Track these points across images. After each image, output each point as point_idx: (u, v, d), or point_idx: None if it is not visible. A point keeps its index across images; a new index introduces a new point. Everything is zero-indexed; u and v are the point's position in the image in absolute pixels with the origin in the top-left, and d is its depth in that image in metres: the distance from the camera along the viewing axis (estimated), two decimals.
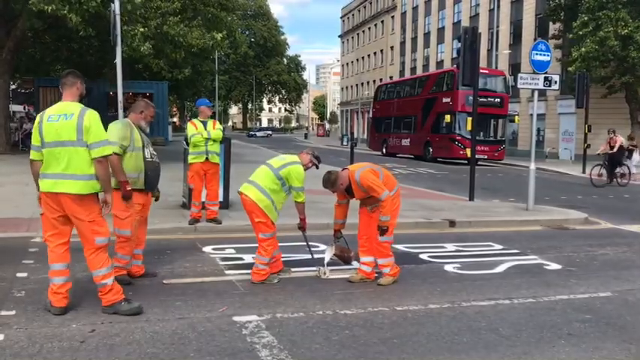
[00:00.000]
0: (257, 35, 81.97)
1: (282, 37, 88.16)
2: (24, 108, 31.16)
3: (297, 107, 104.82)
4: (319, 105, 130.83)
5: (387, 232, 5.65)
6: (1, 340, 3.97)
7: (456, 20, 48.28)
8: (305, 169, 5.79)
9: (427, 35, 53.84)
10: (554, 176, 22.07)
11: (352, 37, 75.57)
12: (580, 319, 4.87)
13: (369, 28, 69.02)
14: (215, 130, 8.37)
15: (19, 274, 5.68)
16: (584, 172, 23.01)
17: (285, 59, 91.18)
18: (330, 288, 5.56)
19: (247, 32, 79.83)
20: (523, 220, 10.29)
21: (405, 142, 32.83)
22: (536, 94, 11.95)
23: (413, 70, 55.37)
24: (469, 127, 13.39)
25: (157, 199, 5.94)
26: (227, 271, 6.07)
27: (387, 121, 35.66)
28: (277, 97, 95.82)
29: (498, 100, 28.31)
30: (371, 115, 42.52)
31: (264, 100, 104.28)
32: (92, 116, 4.42)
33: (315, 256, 6.22)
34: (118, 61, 12.04)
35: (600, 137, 30.07)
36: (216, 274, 6.00)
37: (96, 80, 28.05)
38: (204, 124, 8.38)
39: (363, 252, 5.86)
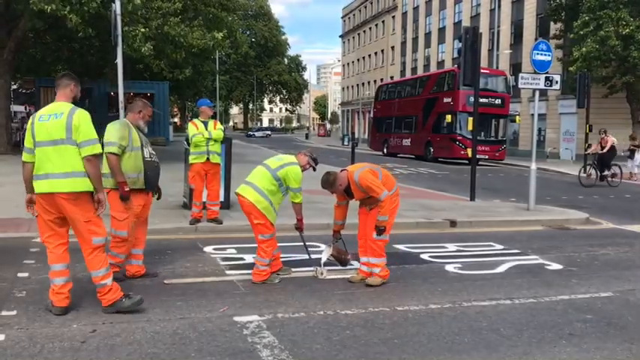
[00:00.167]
0: (258, 35, 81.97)
1: (283, 37, 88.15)
2: (25, 108, 31.17)
3: (298, 107, 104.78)
4: (320, 105, 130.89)
5: (385, 231, 5.63)
6: (2, 340, 3.97)
7: (456, 20, 48.28)
8: (302, 170, 5.78)
9: (428, 35, 53.84)
10: (555, 176, 22.04)
11: (353, 37, 75.58)
12: (581, 319, 4.87)
13: (370, 28, 69.03)
14: (216, 130, 8.37)
15: (20, 274, 5.68)
16: (585, 172, 23.00)
17: (286, 59, 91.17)
18: (331, 288, 5.56)
19: (248, 32, 79.82)
20: (524, 220, 10.28)
21: (406, 142, 32.82)
22: (537, 94, 11.94)
23: (414, 70, 55.37)
24: (470, 127, 13.40)
25: (158, 198, 5.94)
26: (228, 271, 6.07)
27: (387, 121, 35.66)
28: (278, 97, 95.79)
29: (499, 100, 28.29)
30: (372, 115, 42.52)
31: (265, 100, 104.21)
32: (81, 115, 4.42)
33: (313, 256, 6.20)
34: (119, 61, 12.06)
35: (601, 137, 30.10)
36: (217, 274, 6.00)
37: (97, 80, 28.10)
38: (205, 124, 8.38)
39: (362, 252, 5.85)
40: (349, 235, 6.33)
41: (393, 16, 62.21)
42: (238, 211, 8.65)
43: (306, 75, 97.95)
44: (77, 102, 4.72)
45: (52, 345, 3.92)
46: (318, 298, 5.23)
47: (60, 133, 4.36)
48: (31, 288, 5.20)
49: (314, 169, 6.00)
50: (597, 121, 27.86)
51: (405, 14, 59.54)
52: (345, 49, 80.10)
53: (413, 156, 31.70)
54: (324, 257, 6.02)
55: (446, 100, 28.78)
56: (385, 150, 35.42)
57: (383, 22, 64.97)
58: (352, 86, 75.04)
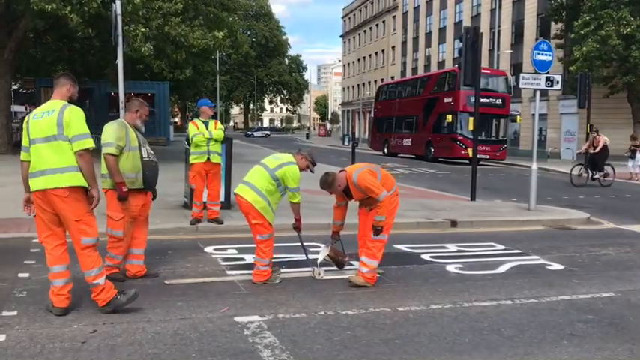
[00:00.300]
0: (258, 35, 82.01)
1: (284, 38, 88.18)
2: (26, 108, 31.21)
3: (298, 107, 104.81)
4: (320, 105, 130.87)
5: (382, 232, 5.61)
6: (2, 341, 3.97)
7: (457, 20, 48.28)
8: (300, 171, 5.76)
9: (429, 35, 53.84)
10: (556, 176, 22.02)
11: (353, 37, 75.59)
12: (582, 319, 4.86)
13: (371, 28, 69.04)
14: (216, 130, 8.37)
15: (20, 275, 5.68)
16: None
17: (286, 59, 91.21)
18: (332, 288, 5.55)
19: (249, 32, 79.80)
20: (525, 220, 10.28)
21: (407, 142, 32.82)
22: (537, 93, 11.93)
23: (414, 70, 55.38)
24: (471, 127, 13.42)
25: (153, 198, 5.93)
26: (228, 272, 6.07)
27: (388, 121, 35.66)
28: (279, 98, 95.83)
29: (500, 100, 28.28)
30: (372, 115, 42.52)
31: (266, 101, 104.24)
32: (72, 111, 4.42)
33: (310, 256, 6.17)
34: (120, 61, 12.05)
35: None
36: (217, 274, 6.00)
37: (97, 81, 28.12)
38: (206, 124, 8.37)
39: (362, 252, 5.84)
40: (349, 236, 6.33)
41: (394, 16, 62.22)
42: (239, 212, 8.62)
43: (306, 75, 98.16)
44: (77, 102, 4.73)
45: (52, 345, 3.92)
46: (319, 298, 5.23)
47: (52, 129, 4.37)
48: (31, 288, 5.20)
49: (312, 172, 5.95)
50: (598, 121, 27.85)
51: (405, 14, 59.54)
52: (345, 49, 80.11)
53: (413, 156, 31.70)
54: (320, 257, 5.99)
55: (446, 100, 28.77)
56: (386, 150, 35.41)
57: (383, 22, 64.98)
58: (353, 86, 75.04)
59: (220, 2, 22.53)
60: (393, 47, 62.01)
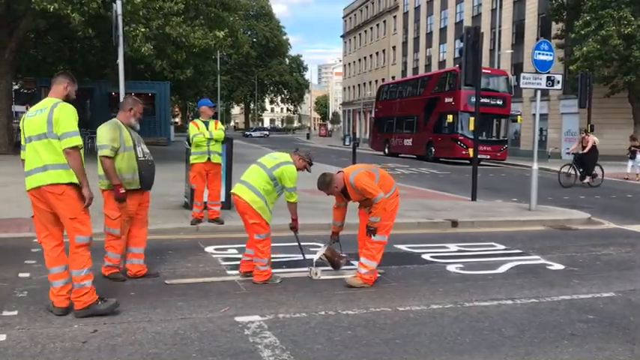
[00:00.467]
0: (259, 35, 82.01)
1: (285, 38, 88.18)
2: (26, 108, 31.13)
3: (299, 107, 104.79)
4: (321, 105, 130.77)
5: (376, 232, 5.60)
6: (3, 341, 3.97)
7: (458, 20, 48.26)
8: (297, 171, 5.74)
9: (429, 35, 53.82)
10: (557, 176, 22.00)
11: (354, 37, 75.58)
12: (583, 319, 4.86)
13: (371, 28, 69.02)
14: (217, 130, 8.38)
15: (21, 275, 5.68)
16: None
17: (287, 59, 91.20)
18: (332, 288, 5.55)
19: (249, 32, 79.79)
20: (526, 220, 10.27)
21: (408, 142, 32.82)
22: (538, 93, 11.93)
23: (415, 70, 55.37)
24: (471, 127, 13.40)
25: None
26: (229, 272, 6.07)
27: (389, 121, 35.66)
28: (279, 98, 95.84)
29: (501, 100, 28.27)
30: (373, 115, 42.52)
31: (267, 101, 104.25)
32: (62, 108, 4.39)
33: (307, 256, 6.15)
34: (120, 61, 12.04)
35: (603, 137, 30.00)
36: (218, 274, 6.00)
37: (98, 81, 28.12)
38: (207, 124, 8.38)
39: (362, 253, 5.83)
40: (350, 236, 6.33)
41: (395, 16, 62.20)
42: None
43: (307, 75, 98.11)
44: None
45: (53, 345, 3.92)
46: (320, 298, 5.22)
47: (42, 127, 4.36)
48: (32, 288, 5.20)
49: (309, 171, 5.94)
50: (599, 121, 27.87)
51: (406, 14, 59.53)
52: (346, 49, 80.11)
53: (414, 156, 31.70)
54: (316, 256, 5.99)
55: (447, 100, 28.77)
56: (386, 150, 35.42)
57: (384, 22, 64.97)
58: (353, 86, 75.03)
59: (221, 2, 22.51)
60: (394, 47, 62.00)
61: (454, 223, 9.57)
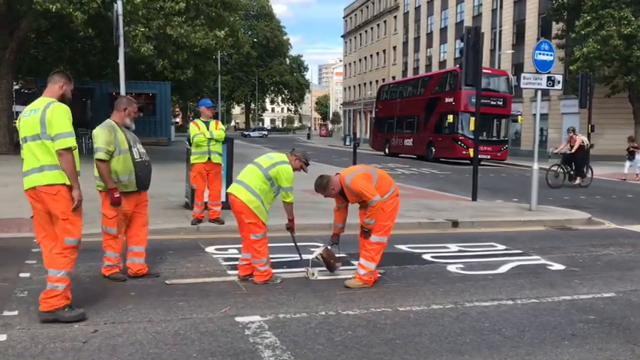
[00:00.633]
0: (260, 35, 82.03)
1: (285, 38, 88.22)
2: None
3: (299, 107, 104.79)
4: (322, 105, 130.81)
5: (370, 234, 5.60)
6: (3, 341, 3.97)
7: (458, 20, 48.26)
8: (294, 171, 5.74)
9: (430, 35, 53.82)
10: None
11: (355, 37, 75.58)
12: (583, 319, 4.86)
13: (372, 28, 69.03)
14: (217, 130, 8.38)
15: (22, 275, 5.69)
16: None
17: (287, 59, 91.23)
18: (333, 288, 5.55)
19: (250, 32, 79.83)
20: (526, 220, 10.27)
21: (408, 142, 32.82)
22: (539, 93, 11.92)
23: (415, 70, 55.37)
24: (472, 127, 13.40)
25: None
26: (230, 272, 6.07)
27: (389, 121, 35.67)
28: (280, 98, 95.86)
29: (501, 100, 28.27)
30: (373, 115, 42.53)
31: (267, 101, 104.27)
32: (55, 109, 4.33)
33: (304, 257, 6.14)
34: (121, 61, 12.07)
35: (604, 137, 30.15)
36: (218, 274, 6.00)
37: (99, 81, 28.13)
38: (207, 124, 8.38)
39: (361, 254, 5.82)
40: (350, 236, 6.33)
41: (395, 16, 62.20)
42: None
43: (307, 75, 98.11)
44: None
45: (53, 345, 3.92)
46: (320, 298, 5.22)
47: (36, 128, 4.33)
48: (32, 288, 5.19)
49: (305, 172, 5.92)
50: (599, 121, 27.85)
51: (406, 14, 59.52)
52: (346, 49, 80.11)
53: (415, 156, 31.70)
54: (313, 255, 5.98)
55: (448, 100, 28.77)
56: (387, 150, 35.43)
57: (385, 22, 64.97)
58: (354, 86, 75.04)
59: (222, 1, 22.51)
60: (394, 47, 62.01)
61: (455, 224, 9.57)
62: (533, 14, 39.04)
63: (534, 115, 13.76)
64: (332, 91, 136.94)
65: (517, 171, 24.50)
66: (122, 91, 12.20)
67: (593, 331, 4.60)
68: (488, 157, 27.59)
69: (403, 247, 7.54)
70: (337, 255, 6.13)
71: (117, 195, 5.32)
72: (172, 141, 34.72)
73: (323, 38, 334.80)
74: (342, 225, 6.03)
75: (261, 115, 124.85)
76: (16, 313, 4.55)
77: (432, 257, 7.13)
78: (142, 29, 16.83)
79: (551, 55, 11.49)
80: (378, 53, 66.84)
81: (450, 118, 27.87)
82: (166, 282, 5.61)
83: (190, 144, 8.52)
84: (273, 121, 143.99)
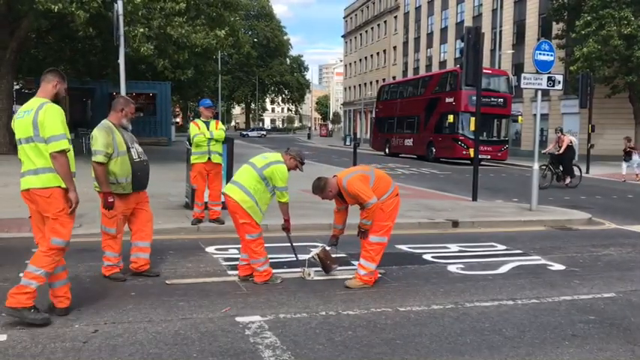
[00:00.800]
0: (260, 35, 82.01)
1: (285, 38, 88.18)
2: None
3: (300, 107, 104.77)
4: (322, 105, 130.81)
5: (367, 234, 5.60)
6: (4, 341, 3.97)
7: (459, 20, 48.25)
8: (289, 170, 5.73)
9: (430, 35, 53.81)
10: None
11: (355, 37, 75.58)
12: (584, 320, 4.86)
13: (372, 28, 69.02)
14: (218, 130, 8.39)
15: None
16: (587, 172, 22.96)
17: (288, 59, 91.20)
18: (333, 288, 5.55)
19: (250, 32, 79.83)
20: (526, 220, 10.27)
21: (408, 142, 32.82)
22: (539, 94, 11.92)
23: (416, 70, 55.36)
24: (472, 127, 13.40)
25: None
26: (230, 272, 6.07)
27: (389, 121, 35.67)
28: (280, 98, 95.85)
29: (501, 100, 28.28)
30: (374, 115, 42.53)
31: (267, 101, 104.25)
32: (47, 110, 4.25)
33: (300, 257, 6.14)
34: (121, 61, 12.07)
35: (604, 137, 30.12)
36: (219, 274, 6.00)
37: (99, 81, 28.12)
38: (207, 124, 8.39)
39: (361, 255, 5.82)
40: (351, 236, 6.33)
41: (395, 16, 62.19)
42: None
43: (308, 75, 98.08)
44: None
45: (53, 345, 3.92)
46: (320, 298, 5.22)
47: (29, 130, 4.28)
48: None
49: (301, 170, 5.91)
50: (600, 122, 27.83)
51: (407, 14, 59.51)
52: (347, 49, 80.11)
53: (415, 156, 31.70)
54: (310, 255, 5.97)
55: (448, 100, 28.77)
56: (387, 150, 35.43)
57: (385, 22, 64.96)
58: (354, 86, 75.04)
59: (222, 1, 22.51)
60: (395, 47, 62.00)
61: (455, 224, 9.56)
62: (533, 14, 39.03)
63: (534, 115, 13.75)
64: (332, 91, 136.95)
65: (517, 171, 24.49)
66: (122, 91, 12.20)
67: (594, 331, 4.60)
68: (489, 157, 27.60)
69: (403, 247, 7.54)
70: (335, 256, 6.12)
71: (110, 199, 5.33)
72: (172, 141, 34.70)
73: (323, 38, 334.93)
74: (341, 227, 6.02)
75: (262, 115, 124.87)
76: None
77: (433, 257, 7.13)
78: (142, 29, 16.82)
79: (551, 55, 11.49)
80: (378, 53, 66.84)
81: (451, 118, 27.88)
82: (167, 282, 5.61)
83: (190, 144, 8.52)
84: (273, 121, 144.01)
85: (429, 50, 54.16)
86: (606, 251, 7.93)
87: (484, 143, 25.73)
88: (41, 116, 4.23)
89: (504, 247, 7.95)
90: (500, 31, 38.40)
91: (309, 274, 5.89)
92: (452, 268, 6.57)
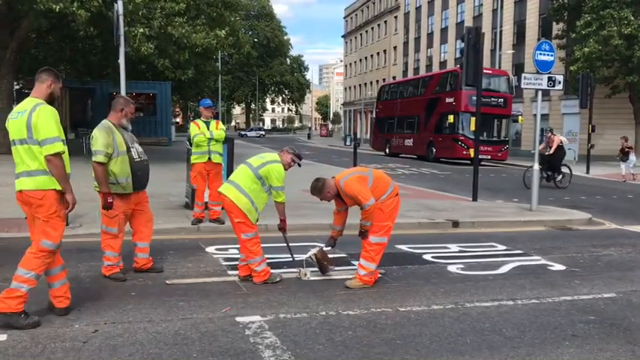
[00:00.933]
0: (260, 35, 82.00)
1: (286, 38, 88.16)
2: None
3: (300, 107, 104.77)
4: (322, 105, 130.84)
5: (367, 235, 5.60)
6: (4, 341, 3.97)
7: (459, 20, 48.26)
8: (287, 168, 5.73)
9: (430, 35, 53.82)
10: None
11: (355, 37, 75.58)
12: (584, 320, 4.86)
13: (372, 28, 69.02)
14: (218, 130, 8.39)
15: None
16: (587, 172, 22.96)
17: (288, 59, 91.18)
18: (333, 288, 5.55)
19: (250, 32, 79.82)
20: (527, 220, 10.26)
21: (408, 142, 32.83)
22: (539, 94, 11.92)
23: (416, 70, 55.36)
24: (472, 128, 13.40)
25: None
26: (230, 272, 6.07)
27: (390, 121, 35.67)
28: (280, 98, 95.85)
29: (502, 100, 28.28)
30: (374, 115, 42.54)
31: (267, 101, 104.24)
32: (41, 112, 4.19)
33: (296, 258, 6.14)
34: (122, 61, 12.06)
35: (604, 137, 30.11)
36: (219, 274, 6.00)
37: (99, 80, 28.12)
38: (207, 124, 8.39)
39: (361, 255, 5.81)
40: (352, 236, 6.32)
41: (396, 17, 62.20)
42: None
43: (308, 75, 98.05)
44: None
45: (53, 345, 3.92)
46: (320, 298, 5.22)
47: (22, 132, 4.22)
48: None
49: (299, 165, 5.93)
50: (600, 122, 27.82)
51: (407, 14, 59.52)
52: (347, 49, 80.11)
53: (415, 156, 31.70)
54: (307, 254, 5.97)
55: (448, 100, 28.77)
56: (387, 150, 35.43)
57: (385, 22, 64.96)
58: (354, 86, 75.04)
59: (223, 1, 22.52)
60: (395, 47, 62.00)
61: (455, 224, 9.56)
62: (533, 14, 39.03)
63: (535, 115, 13.75)
64: (332, 91, 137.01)
65: (517, 171, 24.42)
66: (123, 91, 12.19)
67: (594, 331, 4.60)
68: (489, 157, 27.60)
69: (403, 247, 7.53)
70: (336, 256, 6.12)
71: (110, 200, 5.33)
72: (173, 141, 34.72)
73: (323, 38, 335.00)
74: (340, 228, 6.02)
75: (262, 115, 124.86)
76: None
77: (433, 257, 7.13)
78: (142, 30, 16.83)
79: (551, 55, 11.49)
80: (378, 53, 66.84)
81: (451, 118, 27.88)
82: (167, 282, 5.61)
83: (191, 144, 8.52)
84: (273, 121, 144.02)
85: (429, 50, 54.17)
86: (606, 251, 7.93)
87: (484, 143, 25.73)
88: (34, 118, 4.17)
89: (504, 248, 7.94)
90: (501, 31, 38.41)
91: (306, 275, 5.90)
92: (452, 269, 6.56)
